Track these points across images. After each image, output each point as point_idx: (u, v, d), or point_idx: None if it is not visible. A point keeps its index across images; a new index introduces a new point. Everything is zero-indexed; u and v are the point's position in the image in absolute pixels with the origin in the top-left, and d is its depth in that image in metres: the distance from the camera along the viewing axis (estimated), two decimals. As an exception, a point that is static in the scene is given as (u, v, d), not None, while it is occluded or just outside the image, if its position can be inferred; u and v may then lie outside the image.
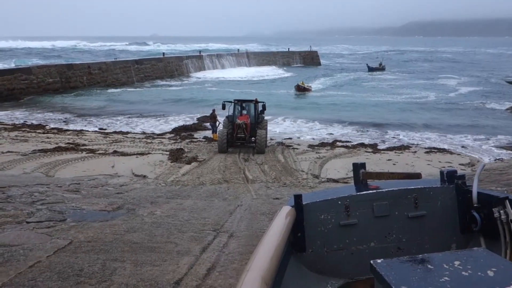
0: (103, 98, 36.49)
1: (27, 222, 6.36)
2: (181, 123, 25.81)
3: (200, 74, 58.47)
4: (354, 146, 19.42)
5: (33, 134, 20.58)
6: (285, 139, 21.32)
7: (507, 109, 31.98)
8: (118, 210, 7.76)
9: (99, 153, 16.38)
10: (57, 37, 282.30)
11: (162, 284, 4.29)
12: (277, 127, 25.00)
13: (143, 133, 22.67)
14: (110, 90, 41.35)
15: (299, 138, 21.79)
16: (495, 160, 16.90)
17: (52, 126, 24.02)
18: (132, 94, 39.81)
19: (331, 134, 23.23)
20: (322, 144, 19.82)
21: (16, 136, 19.71)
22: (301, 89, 41.46)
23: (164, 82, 50.36)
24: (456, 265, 1.96)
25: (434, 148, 19.10)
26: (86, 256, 4.97)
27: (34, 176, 12.41)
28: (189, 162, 15.36)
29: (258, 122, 18.77)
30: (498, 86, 47.60)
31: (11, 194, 8.35)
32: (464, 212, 3.40)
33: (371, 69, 64.38)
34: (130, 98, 36.97)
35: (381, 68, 64.96)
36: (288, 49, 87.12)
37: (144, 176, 13.24)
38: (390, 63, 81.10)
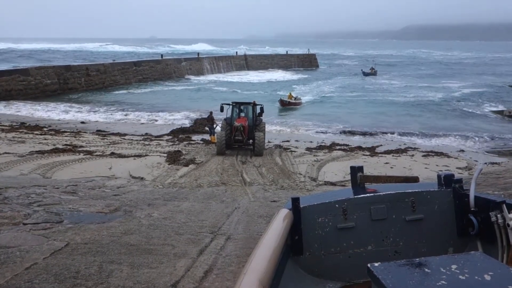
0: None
1: (24, 224, 6.33)
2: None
3: (202, 77, 58.45)
4: (351, 149, 19.45)
5: (31, 136, 20.53)
6: (283, 141, 21.34)
7: (492, 111, 32.30)
8: (115, 212, 7.74)
9: (97, 155, 16.34)
10: (53, 39, 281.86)
11: (159, 286, 4.28)
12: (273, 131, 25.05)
13: (141, 135, 22.65)
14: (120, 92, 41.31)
15: (297, 141, 21.80)
16: (492, 164, 16.95)
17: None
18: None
19: (328, 137, 23.28)
20: (320, 147, 19.84)
21: (13, 137, 19.65)
22: (285, 104, 33.66)
23: (169, 83, 50.55)
24: (453, 269, 1.97)
25: (432, 151, 19.15)
26: (83, 258, 4.95)
27: (31, 177, 12.36)
28: (186, 164, 15.34)
29: (256, 124, 18.78)
30: (499, 89, 47.95)
31: (8, 196, 8.32)
32: (461, 216, 3.40)
33: (365, 74, 66.14)
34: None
35: (372, 73, 66.16)
36: (287, 52, 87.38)
37: (142, 178, 13.21)
38: (391, 67, 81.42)
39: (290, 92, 36.74)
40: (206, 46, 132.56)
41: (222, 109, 18.81)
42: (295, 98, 35.59)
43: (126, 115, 30.11)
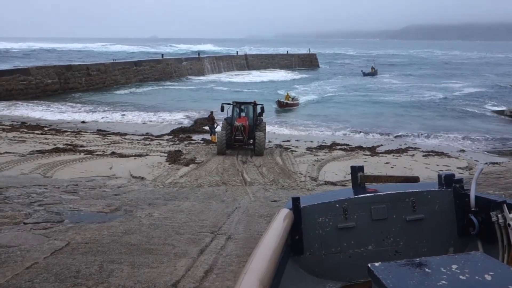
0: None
1: (25, 223, 6.33)
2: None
3: (203, 77, 58.38)
4: (352, 149, 19.45)
5: (31, 135, 20.54)
6: (283, 141, 21.34)
7: (493, 111, 32.31)
8: (115, 211, 7.74)
9: (97, 155, 16.35)
10: (53, 39, 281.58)
11: (159, 286, 4.28)
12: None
13: (142, 134, 22.66)
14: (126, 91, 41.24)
15: (297, 140, 21.80)
16: (492, 163, 16.93)
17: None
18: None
19: (329, 136, 23.27)
20: (320, 147, 19.85)
21: (14, 136, 19.66)
22: (283, 105, 32.39)
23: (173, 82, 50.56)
24: (453, 269, 1.97)
25: (432, 151, 19.14)
26: (83, 258, 4.95)
27: (31, 177, 12.37)
28: (187, 164, 15.34)
29: (257, 124, 18.79)
30: (501, 89, 47.91)
31: (9, 195, 8.32)
32: (461, 216, 3.40)
33: (365, 74, 66.35)
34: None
35: (373, 73, 66.26)
36: (287, 51, 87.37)
37: (142, 178, 13.21)
38: (392, 67, 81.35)
39: (287, 93, 35.83)
40: (211, 47, 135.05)
41: (222, 109, 18.82)
42: (293, 99, 34.73)
43: (126, 114, 30.10)
